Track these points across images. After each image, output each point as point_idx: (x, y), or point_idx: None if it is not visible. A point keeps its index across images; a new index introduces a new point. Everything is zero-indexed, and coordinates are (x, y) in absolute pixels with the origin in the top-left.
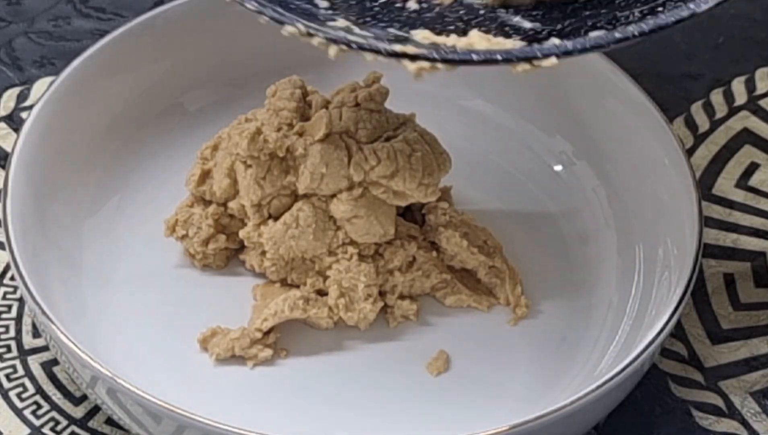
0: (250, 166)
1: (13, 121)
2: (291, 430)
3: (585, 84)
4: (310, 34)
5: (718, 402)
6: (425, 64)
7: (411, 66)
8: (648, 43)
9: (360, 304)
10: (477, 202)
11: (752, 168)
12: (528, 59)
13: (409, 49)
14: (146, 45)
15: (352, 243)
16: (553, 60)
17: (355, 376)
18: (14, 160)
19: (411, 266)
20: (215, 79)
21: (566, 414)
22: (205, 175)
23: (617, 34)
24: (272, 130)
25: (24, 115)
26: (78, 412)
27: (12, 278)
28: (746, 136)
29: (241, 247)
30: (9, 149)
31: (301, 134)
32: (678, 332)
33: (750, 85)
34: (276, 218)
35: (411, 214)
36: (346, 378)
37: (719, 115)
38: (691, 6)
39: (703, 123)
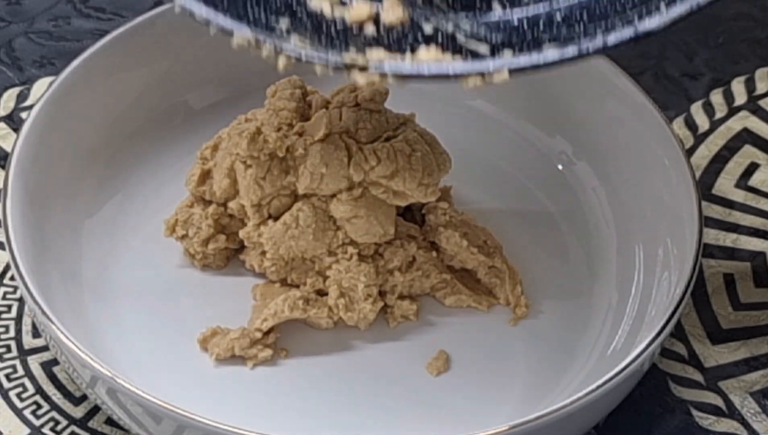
0: (250, 166)
1: (13, 121)
2: (291, 430)
3: (585, 84)
4: (258, 44)
5: (718, 402)
6: (375, 77)
7: (360, 79)
8: (648, 42)
9: (360, 304)
10: (477, 202)
11: (752, 168)
12: (480, 73)
13: (360, 59)
14: (146, 45)
15: (352, 243)
16: (505, 74)
17: (355, 376)
18: (14, 160)
19: (411, 266)
20: (215, 79)
21: (566, 414)
22: (205, 175)
23: (571, 51)
24: (272, 130)
25: (24, 115)
26: (78, 412)
27: (12, 278)
28: (746, 136)
29: (241, 247)
30: (9, 149)
31: (301, 134)
32: (678, 332)
33: (750, 85)
34: (276, 218)
35: (411, 214)
36: (346, 378)
37: (719, 115)
38: (639, 26)
39: (703, 123)
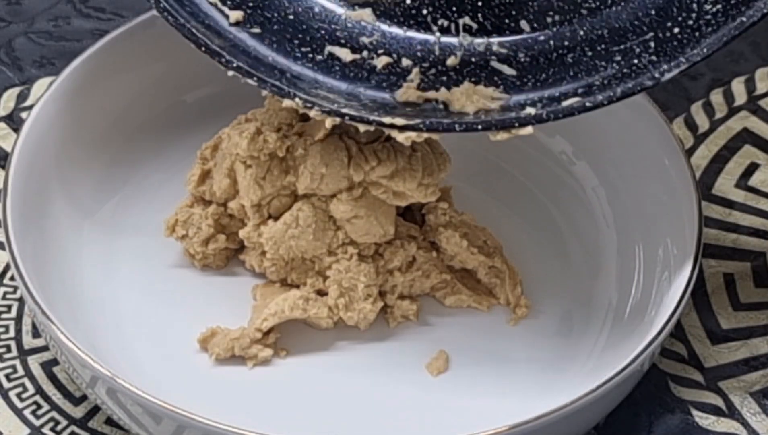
0: (250, 166)
1: (13, 121)
2: (291, 430)
3: None
4: (290, 96)
5: (718, 402)
6: (413, 134)
7: (400, 136)
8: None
9: (360, 304)
10: (477, 202)
11: (752, 168)
12: (506, 128)
13: (398, 121)
14: (146, 45)
15: (352, 243)
16: (529, 129)
17: (355, 376)
18: (14, 160)
19: (411, 266)
20: (215, 79)
21: (566, 414)
22: (205, 176)
23: (587, 103)
24: (272, 130)
25: (24, 115)
26: (78, 412)
27: (12, 278)
28: (746, 136)
29: (241, 247)
30: (9, 149)
31: (300, 134)
32: (678, 332)
33: (750, 85)
34: (276, 218)
35: (411, 214)
36: (346, 378)
37: (719, 115)
38: (656, 75)
39: (703, 123)
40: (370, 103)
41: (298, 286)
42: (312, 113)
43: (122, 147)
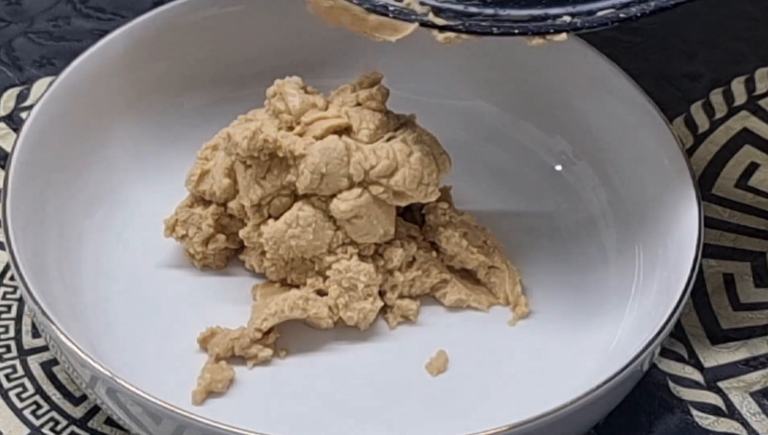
0: (250, 166)
1: (13, 121)
2: (291, 430)
3: (585, 84)
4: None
5: (718, 402)
6: (451, 34)
7: (439, 36)
8: (648, 42)
9: (360, 304)
10: (477, 202)
11: (752, 168)
12: (541, 33)
13: (438, 20)
14: (146, 45)
15: (352, 243)
16: (563, 36)
17: (355, 376)
18: (14, 160)
19: (411, 266)
20: (215, 79)
21: (566, 414)
22: (205, 175)
23: (621, 15)
24: (272, 130)
25: (24, 115)
26: (78, 412)
27: (12, 278)
28: (746, 136)
29: (241, 247)
30: (9, 149)
31: (301, 134)
32: (678, 332)
33: (750, 85)
34: (276, 218)
35: (411, 214)
36: (346, 378)
37: (719, 115)
38: None
39: (703, 123)
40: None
41: (298, 286)
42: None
43: (122, 147)
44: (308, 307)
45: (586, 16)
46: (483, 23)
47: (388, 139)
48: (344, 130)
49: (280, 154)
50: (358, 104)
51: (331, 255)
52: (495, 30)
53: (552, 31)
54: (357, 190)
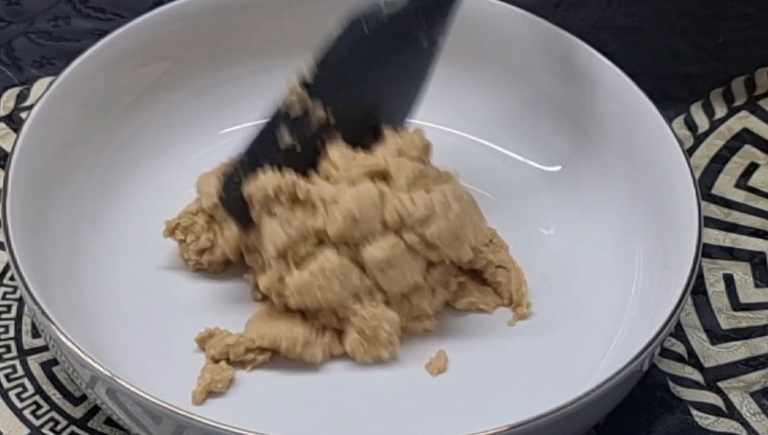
0: (274, 214)
1: (13, 121)
2: (291, 430)
3: (585, 84)
4: None
5: (718, 402)
6: None
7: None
8: (648, 42)
9: (378, 351)
10: (477, 202)
11: (752, 168)
12: None
13: None
14: (146, 45)
15: (381, 290)
16: None
17: (355, 376)
18: (14, 160)
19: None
20: (215, 79)
21: (566, 414)
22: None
23: None
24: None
25: (24, 115)
26: (78, 412)
27: (12, 278)
28: (746, 136)
29: (241, 257)
30: (9, 149)
31: (327, 178)
32: (678, 332)
33: (750, 85)
34: (298, 266)
35: None
36: (346, 378)
37: (719, 115)
38: None
39: (703, 123)
40: None
41: (303, 312)
42: None
43: (122, 147)
44: (305, 352)
45: None
46: None
47: (427, 192)
48: (381, 177)
49: (301, 197)
50: (399, 153)
51: (356, 302)
52: None
53: None
54: (393, 239)
